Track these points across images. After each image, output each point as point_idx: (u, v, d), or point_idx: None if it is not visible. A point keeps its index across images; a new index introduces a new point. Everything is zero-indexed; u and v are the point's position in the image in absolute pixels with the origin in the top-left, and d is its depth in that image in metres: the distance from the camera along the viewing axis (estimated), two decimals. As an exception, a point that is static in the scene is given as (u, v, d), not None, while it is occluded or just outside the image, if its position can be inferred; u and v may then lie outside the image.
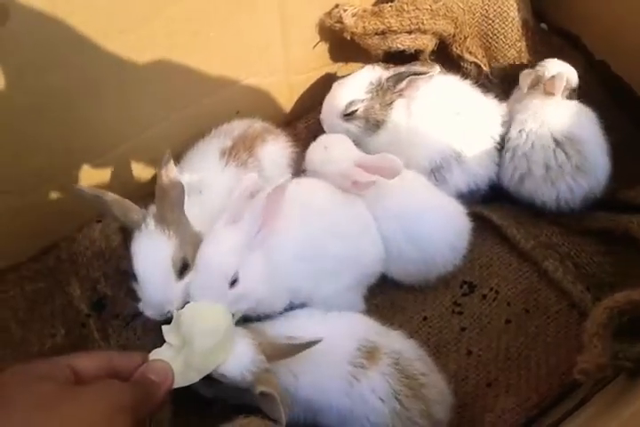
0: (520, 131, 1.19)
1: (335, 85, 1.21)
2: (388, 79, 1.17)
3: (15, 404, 0.56)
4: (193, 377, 0.76)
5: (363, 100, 1.16)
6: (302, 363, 0.84)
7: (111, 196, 0.89)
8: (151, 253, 0.88)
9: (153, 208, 0.92)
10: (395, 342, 0.96)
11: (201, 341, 0.78)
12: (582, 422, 0.92)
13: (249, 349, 0.79)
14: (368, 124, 1.18)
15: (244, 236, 0.89)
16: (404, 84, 1.15)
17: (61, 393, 0.59)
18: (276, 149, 1.17)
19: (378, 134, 1.20)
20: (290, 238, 0.96)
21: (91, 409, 0.58)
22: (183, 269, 0.90)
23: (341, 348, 0.90)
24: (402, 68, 1.17)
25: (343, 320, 0.97)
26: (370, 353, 0.89)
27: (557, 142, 1.16)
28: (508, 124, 1.22)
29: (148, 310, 0.89)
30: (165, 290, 0.88)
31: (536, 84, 1.20)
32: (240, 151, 1.08)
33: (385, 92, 1.17)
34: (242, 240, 0.88)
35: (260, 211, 0.88)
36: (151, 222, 0.89)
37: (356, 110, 1.17)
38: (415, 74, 1.15)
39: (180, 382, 0.73)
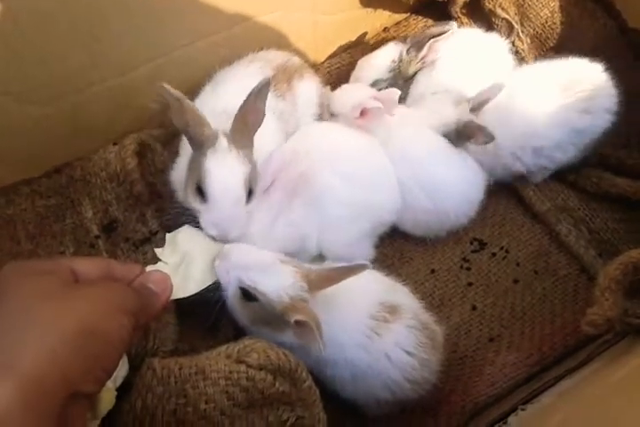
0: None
1: (360, 63, 1.22)
2: (408, 51, 1.17)
3: (19, 293, 0.55)
4: (192, 289, 0.76)
5: (386, 80, 1.19)
6: (320, 314, 0.80)
7: (190, 104, 0.81)
8: (227, 173, 0.83)
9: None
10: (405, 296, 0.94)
11: (203, 255, 0.80)
12: (584, 376, 0.91)
13: (290, 273, 0.79)
14: None
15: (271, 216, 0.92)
16: (425, 50, 1.15)
17: (65, 288, 0.57)
18: (311, 87, 1.15)
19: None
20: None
21: (95, 305, 0.57)
22: (249, 194, 0.86)
23: (363, 301, 0.87)
24: (419, 37, 1.17)
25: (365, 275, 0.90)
26: (392, 308, 0.87)
27: None
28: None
29: (213, 230, 0.83)
30: (235, 214, 0.84)
31: None
32: (281, 82, 1.06)
33: (407, 66, 1.18)
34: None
35: (285, 191, 0.91)
36: (224, 142, 0.83)
37: (380, 89, 1.18)
38: (434, 36, 1.15)
39: (178, 293, 0.74)
